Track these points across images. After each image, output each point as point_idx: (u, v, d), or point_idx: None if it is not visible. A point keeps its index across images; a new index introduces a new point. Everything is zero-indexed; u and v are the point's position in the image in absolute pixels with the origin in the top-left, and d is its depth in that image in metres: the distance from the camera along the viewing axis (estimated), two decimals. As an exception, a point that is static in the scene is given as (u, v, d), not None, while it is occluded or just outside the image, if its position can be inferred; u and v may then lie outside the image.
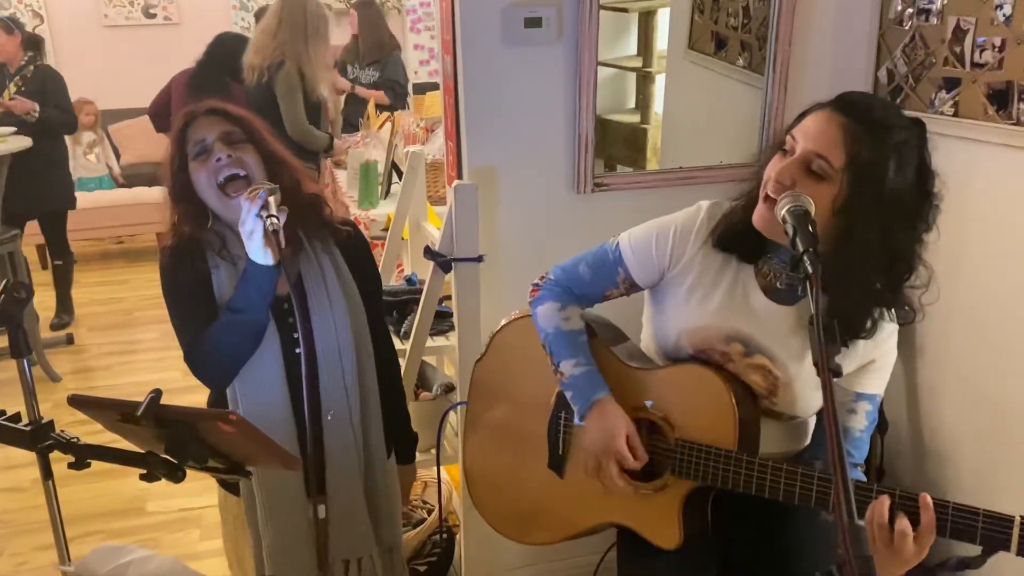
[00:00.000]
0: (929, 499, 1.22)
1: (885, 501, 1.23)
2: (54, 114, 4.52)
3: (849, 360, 1.42)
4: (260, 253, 1.51)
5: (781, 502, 1.39)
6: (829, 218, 1.31)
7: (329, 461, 1.67)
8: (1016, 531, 1.19)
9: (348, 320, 1.67)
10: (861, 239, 1.31)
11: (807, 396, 1.46)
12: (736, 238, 1.45)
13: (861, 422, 1.46)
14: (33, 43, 4.67)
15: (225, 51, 4.53)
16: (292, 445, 1.63)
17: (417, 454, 2.41)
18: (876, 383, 1.47)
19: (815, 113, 1.35)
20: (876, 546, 1.22)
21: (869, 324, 1.38)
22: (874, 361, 1.44)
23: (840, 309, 1.32)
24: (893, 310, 1.41)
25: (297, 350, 1.63)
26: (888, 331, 1.43)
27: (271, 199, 1.49)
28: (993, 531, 1.21)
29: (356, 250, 1.75)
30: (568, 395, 1.57)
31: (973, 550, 1.25)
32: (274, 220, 1.47)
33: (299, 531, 1.67)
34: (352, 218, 3.66)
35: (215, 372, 1.62)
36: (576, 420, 1.58)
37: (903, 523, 1.21)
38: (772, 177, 1.33)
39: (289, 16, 3.77)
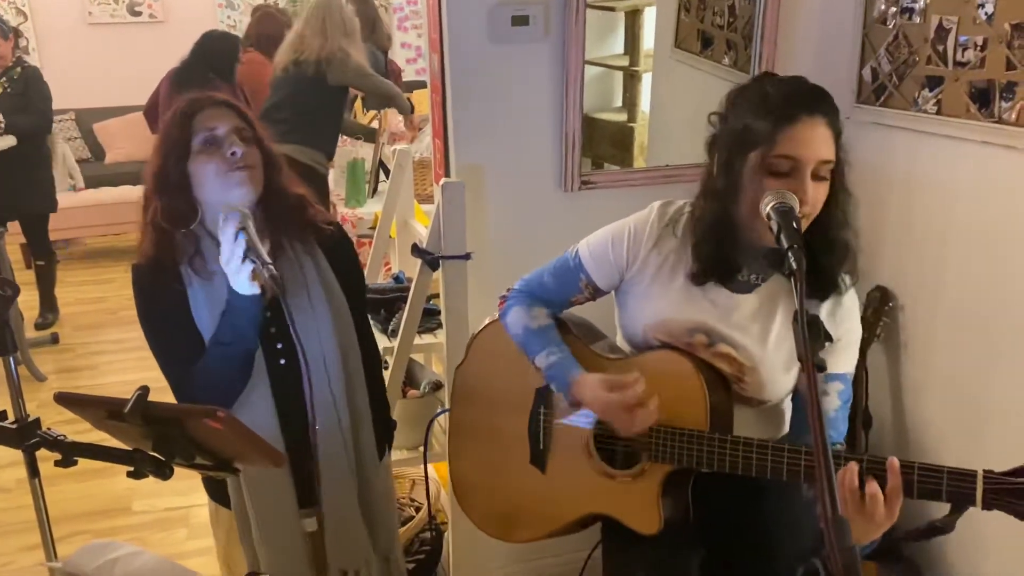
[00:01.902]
0: (896, 462, 1.24)
1: (854, 467, 1.25)
2: (21, 120, 4.46)
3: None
4: (246, 286, 1.45)
5: (761, 485, 1.41)
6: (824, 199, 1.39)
7: (321, 471, 1.63)
8: (980, 484, 1.22)
9: (332, 325, 1.62)
10: (843, 205, 1.41)
11: (775, 380, 1.48)
12: (714, 270, 1.47)
13: (835, 402, 1.48)
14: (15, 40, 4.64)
15: (211, 49, 4.51)
16: (284, 458, 1.58)
17: (406, 452, 2.42)
18: (844, 362, 1.49)
19: (798, 124, 1.34)
20: (848, 512, 1.23)
21: (844, 274, 1.46)
22: (840, 340, 1.47)
23: (825, 273, 1.41)
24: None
25: (282, 361, 1.60)
26: (848, 306, 1.48)
27: (255, 236, 1.42)
28: (958, 487, 1.23)
29: (339, 249, 1.71)
30: (552, 387, 1.60)
31: (944, 512, 1.28)
32: (271, 268, 1.40)
33: (295, 545, 1.64)
34: (339, 217, 3.67)
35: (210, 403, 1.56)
36: (566, 420, 1.60)
37: (873, 487, 1.22)
38: (803, 202, 1.33)
39: (330, 17, 4.04)
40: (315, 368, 1.58)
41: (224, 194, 1.50)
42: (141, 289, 1.58)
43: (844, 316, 1.47)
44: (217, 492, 1.73)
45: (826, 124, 1.35)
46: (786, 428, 1.60)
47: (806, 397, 1.43)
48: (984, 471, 1.22)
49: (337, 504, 1.66)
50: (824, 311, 1.45)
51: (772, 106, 1.36)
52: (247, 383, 1.55)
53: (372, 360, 1.80)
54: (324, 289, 1.63)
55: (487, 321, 1.79)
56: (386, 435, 1.90)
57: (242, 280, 1.43)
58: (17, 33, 4.75)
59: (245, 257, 1.41)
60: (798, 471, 1.35)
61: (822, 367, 1.10)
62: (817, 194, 1.36)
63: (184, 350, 1.53)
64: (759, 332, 1.47)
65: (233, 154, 1.50)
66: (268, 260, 1.42)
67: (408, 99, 4.38)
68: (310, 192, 1.71)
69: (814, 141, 1.34)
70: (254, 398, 1.57)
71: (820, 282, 1.43)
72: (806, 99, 1.36)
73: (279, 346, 1.60)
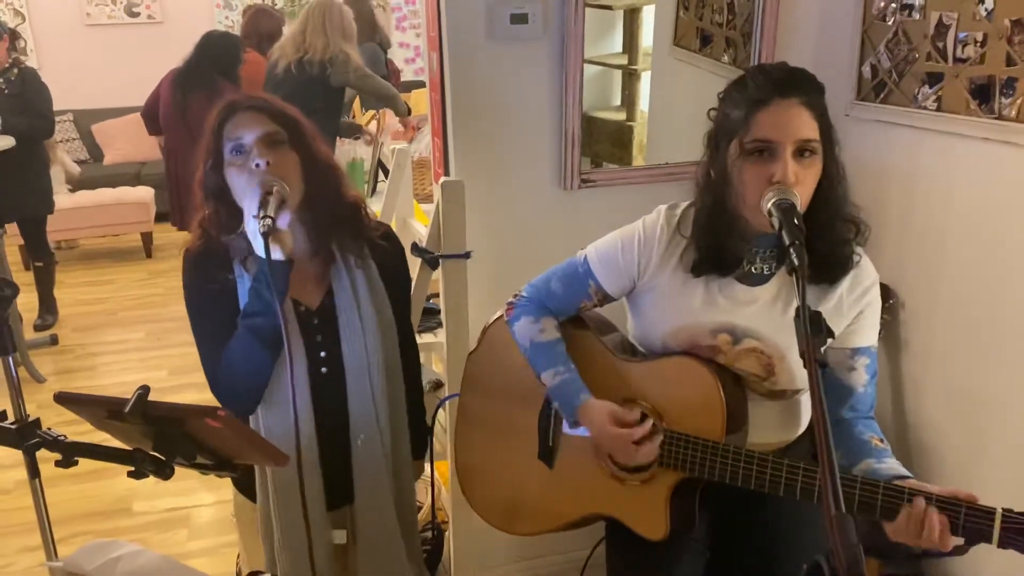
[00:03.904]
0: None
1: (922, 503, 1.25)
2: (19, 122, 4.43)
3: (837, 321, 1.44)
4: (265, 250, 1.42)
5: (768, 494, 1.40)
6: (818, 182, 1.38)
7: (358, 485, 1.61)
8: (997, 523, 1.21)
9: (379, 338, 1.61)
10: (838, 183, 1.41)
11: (803, 367, 1.47)
12: (715, 260, 1.47)
13: (863, 377, 1.48)
14: (12, 41, 4.63)
15: (213, 49, 4.50)
16: (317, 468, 1.57)
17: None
18: (868, 335, 1.50)
19: (770, 108, 1.35)
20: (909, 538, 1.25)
21: (852, 251, 1.45)
22: (862, 312, 1.47)
23: (833, 250, 1.40)
24: (856, 236, 1.47)
25: (323, 370, 1.58)
26: (866, 281, 1.47)
27: (271, 197, 1.41)
28: (975, 523, 1.22)
29: (393, 265, 1.68)
30: (555, 406, 1.61)
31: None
32: (268, 222, 1.38)
33: (321, 559, 1.58)
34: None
35: (239, 389, 1.54)
36: (568, 429, 1.60)
37: (933, 519, 1.24)
38: (778, 181, 1.33)
39: (331, 18, 4.07)
40: (358, 380, 1.58)
41: (256, 203, 1.46)
42: (190, 277, 1.56)
43: (863, 291, 1.47)
44: (243, 483, 1.70)
45: (802, 104, 1.35)
46: (803, 425, 1.59)
47: (836, 376, 1.47)
48: (1003, 510, 1.21)
49: (374, 517, 1.64)
50: (845, 290, 1.45)
51: (748, 94, 1.38)
52: (276, 359, 1.51)
53: (414, 371, 1.79)
54: (375, 303, 1.61)
55: (498, 313, 1.78)
56: (419, 439, 1.88)
57: (261, 243, 1.41)
58: (14, 34, 4.74)
59: (259, 211, 1.40)
60: (812, 491, 1.35)
61: (824, 363, 1.10)
62: (805, 173, 1.35)
63: (225, 336, 1.51)
64: (780, 321, 1.46)
65: (257, 165, 1.45)
66: (271, 215, 1.39)
67: (405, 102, 4.39)
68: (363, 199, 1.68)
69: (788, 122, 1.34)
70: (292, 404, 1.51)
71: (827, 266, 1.41)
72: (780, 83, 1.37)
73: (322, 354, 1.58)
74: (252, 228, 1.43)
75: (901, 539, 1.26)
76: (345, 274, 1.59)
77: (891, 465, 1.39)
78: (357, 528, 1.64)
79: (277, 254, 1.43)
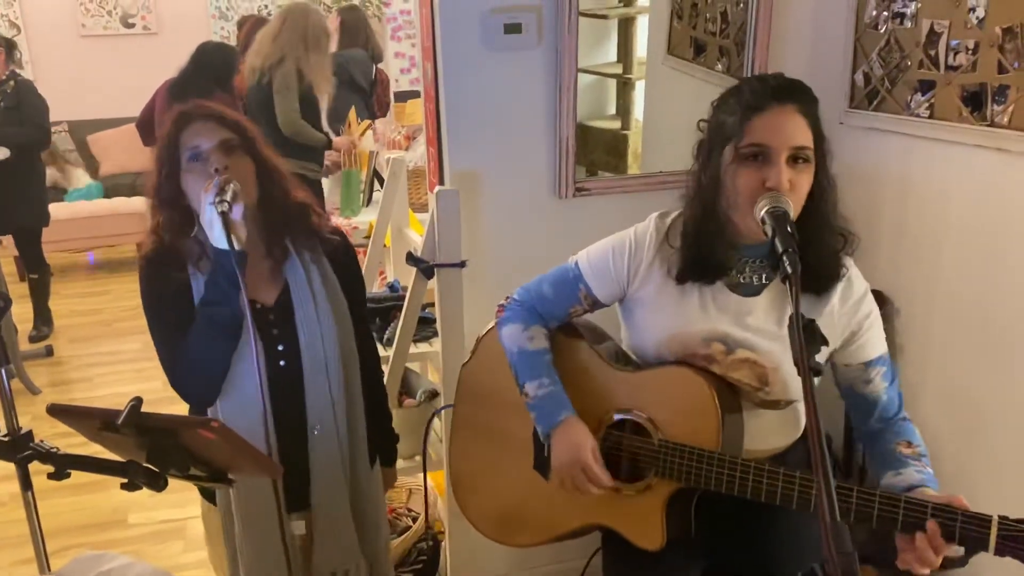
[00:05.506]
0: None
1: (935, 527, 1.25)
2: (15, 133, 4.43)
3: (830, 334, 1.43)
4: (223, 239, 1.46)
5: (764, 502, 1.39)
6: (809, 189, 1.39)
7: (315, 475, 1.65)
8: (994, 530, 1.20)
9: (335, 331, 1.65)
10: (828, 194, 1.41)
11: (797, 377, 1.47)
12: (699, 267, 1.47)
13: (881, 385, 1.49)
14: (9, 52, 4.63)
15: (209, 60, 4.50)
16: (276, 460, 1.59)
17: (401, 461, 2.41)
18: (876, 344, 1.50)
19: (766, 113, 1.36)
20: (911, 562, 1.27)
21: (841, 261, 1.45)
22: (863, 326, 1.47)
23: (822, 260, 1.40)
24: (846, 245, 1.48)
25: (281, 363, 1.61)
26: (859, 294, 1.47)
27: (227, 186, 1.47)
28: (971, 531, 1.22)
29: (344, 259, 1.74)
30: (532, 416, 1.60)
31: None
32: (225, 203, 1.44)
33: (279, 547, 1.61)
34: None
35: (199, 382, 1.58)
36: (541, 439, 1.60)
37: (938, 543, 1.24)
38: (772, 187, 1.34)
39: (292, 23, 3.98)
40: (315, 372, 1.62)
41: (212, 193, 1.51)
42: (147, 280, 1.61)
43: (858, 303, 1.47)
44: (208, 490, 1.73)
45: (798, 112, 1.36)
46: (801, 429, 1.59)
47: (856, 391, 1.48)
48: (999, 517, 1.21)
49: (329, 507, 1.67)
50: (836, 301, 1.45)
51: (743, 100, 1.39)
52: (234, 350, 1.56)
53: (372, 368, 1.82)
54: (329, 297, 1.66)
55: (493, 323, 1.78)
56: (387, 446, 1.90)
57: (217, 231, 1.46)
58: (11, 45, 4.75)
59: (213, 199, 1.45)
60: (808, 500, 1.34)
61: (819, 371, 1.10)
62: (799, 179, 1.35)
63: (181, 331, 1.56)
64: (774, 332, 1.46)
65: (216, 171, 1.52)
66: (227, 199, 1.45)
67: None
68: (314, 200, 1.73)
69: (784, 128, 1.35)
70: (250, 397, 1.56)
71: (818, 274, 1.41)
72: (776, 90, 1.38)
73: (280, 347, 1.61)
74: (208, 217, 1.47)
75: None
76: (300, 268, 1.64)
77: (906, 476, 1.39)
78: (313, 518, 1.68)
79: (230, 244, 1.46)
